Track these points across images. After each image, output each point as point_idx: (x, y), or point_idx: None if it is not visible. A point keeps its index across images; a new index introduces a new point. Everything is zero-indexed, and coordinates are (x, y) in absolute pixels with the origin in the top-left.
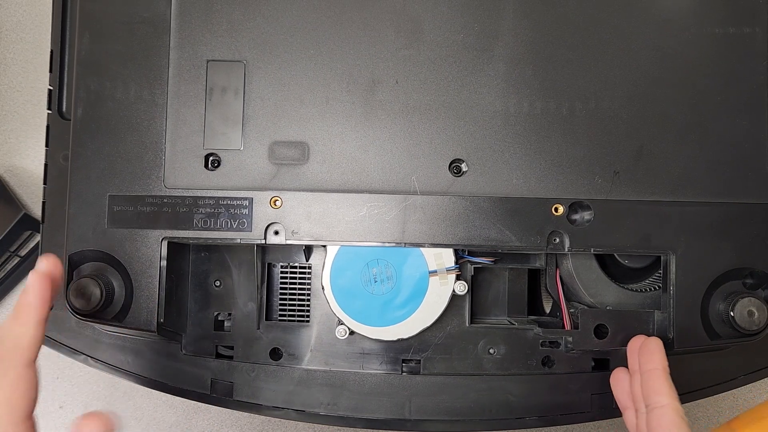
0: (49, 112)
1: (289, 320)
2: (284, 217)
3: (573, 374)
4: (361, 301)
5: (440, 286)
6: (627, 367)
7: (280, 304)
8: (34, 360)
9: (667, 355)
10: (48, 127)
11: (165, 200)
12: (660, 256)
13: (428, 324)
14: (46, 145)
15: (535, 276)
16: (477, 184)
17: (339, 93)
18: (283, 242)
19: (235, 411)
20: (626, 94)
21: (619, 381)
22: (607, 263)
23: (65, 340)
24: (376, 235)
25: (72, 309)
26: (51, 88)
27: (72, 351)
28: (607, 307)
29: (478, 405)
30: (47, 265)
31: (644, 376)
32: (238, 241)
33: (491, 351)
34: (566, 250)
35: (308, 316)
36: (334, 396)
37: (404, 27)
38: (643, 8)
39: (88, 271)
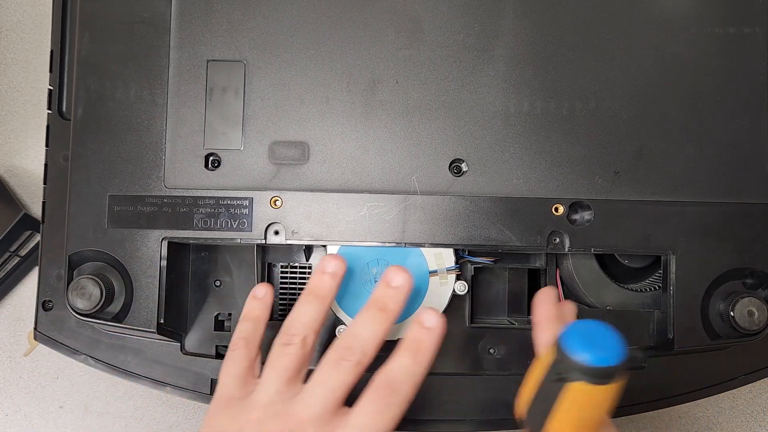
0: (49, 112)
1: None
2: (284, 217)
3: None
4: (362, 301)
5: (440, 286)
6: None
7: (281, 304)
8: None
9: (667, 355)
10: (48, 127)
11: (165, 200)
12: (660, 256)
13: None
14: (46, 145)
15: (535, 276)
16: (477, 184)
17: (339, 93)
18: (284, 242)
19: None
20: (626, 94)
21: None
22: (607, 263)
23: (65, 340)
24: (376, 235)
25: (72, 309)
26: (51, 88)
27: (72, 351)
28: (607, 307)
29: (478, 405)
30: (440, 313)
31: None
32: (239, 241)
33: (491, 351)
34: (566, 250)
35: None
36: None
37: (404, 27)
38: (644, 8)
39: (88, 271)
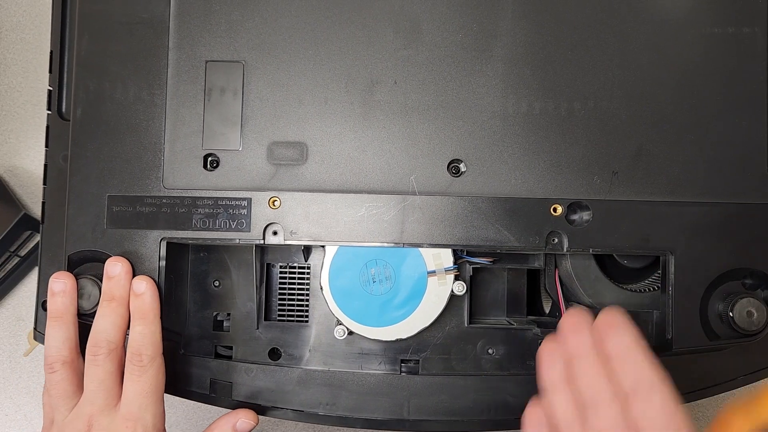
0: (49, 112)
1: (288, 320)
2: (283, 217)
3: None
4: (360, 302)
5: (439, 287)
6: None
7: (279, 305)
8: (162, 352)
9: (666, 355)
10: (48, 127)
11: (164, 200)
12: (659, 257)
13: (427, 324)
14: (46, 146)
15: (534, 276)
16: (475, 184)
17: (338, 93)
18: (282, 242)
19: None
20: (625, 94)
21: (548, 353)
22: (605, 263)
23: None
24: (374, 235)
25: None
26: (51, 88)
27: None
28: None
29: (476, 405)
30: (147, 277)
31: (616, 360)
32: (237, 241)
33: (490, 351)
34: (565, 250)
35: (307, 317)
36: (333, 396)
37: (403, 27)
38: (643, 8)
39: (87, 272)
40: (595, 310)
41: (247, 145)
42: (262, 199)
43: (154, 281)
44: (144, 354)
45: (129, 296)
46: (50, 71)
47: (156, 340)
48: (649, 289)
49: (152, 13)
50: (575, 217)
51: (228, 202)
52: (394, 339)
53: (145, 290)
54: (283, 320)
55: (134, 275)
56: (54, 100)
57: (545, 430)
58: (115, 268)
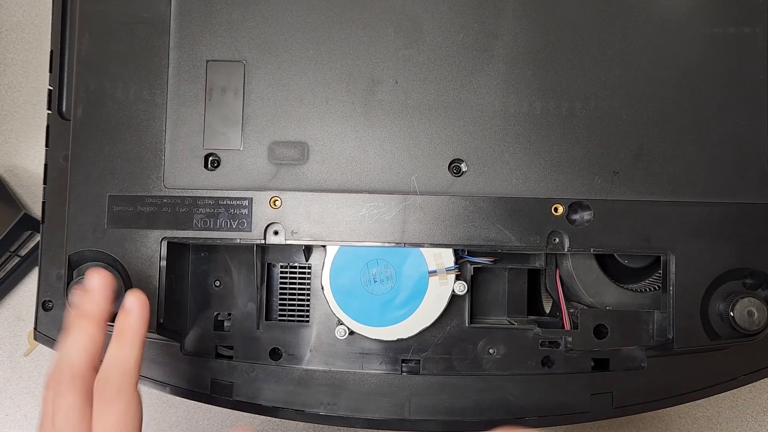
0: (49, 112)
1: (289, 320)
2: (284, 217)
3: (572, 374)
4: (361, 301)
5: (440, 286)
6: None
7: (280, 304)
8: (137, 383)
9: (667, 355)
10: (48, 127)
11: (165, 200)
12: (660, 256)
13: (428, 324)
14: (46, 145)
15: (535, 276)
16: (476, 184)
17: (339, 93)
18: (283, 242)
19: (235, 411)
20: (626, 94)
21: None
22: (606, 263)
23: None
24: (375, 235)
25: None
26: (51, 88)
27: None
28: (607, 308)
29: (477, 405)
30: (139, 292)
31: None
32: (238, 241)
33: (491, 351)
34: (566, 250)
35: (308, 316)
36: (334, 396)
37: (404, 27)
38: (643, 8)
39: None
40: (595, 310)
41: (248, 145)
42: (263, 199)
43: (148, 301)
44: (110, 382)
45: (105, 315)
46: (50, 71)
47: (128, 369)
48: (650, 289)
49: (153, 12)
50: (576, 216)
51: (229, 202)
52: (395, 339)
53: (131, 308)
54: (284, 320)
55: (132, 278)
56: (54, 100)
57: None
58: (93, 280)
